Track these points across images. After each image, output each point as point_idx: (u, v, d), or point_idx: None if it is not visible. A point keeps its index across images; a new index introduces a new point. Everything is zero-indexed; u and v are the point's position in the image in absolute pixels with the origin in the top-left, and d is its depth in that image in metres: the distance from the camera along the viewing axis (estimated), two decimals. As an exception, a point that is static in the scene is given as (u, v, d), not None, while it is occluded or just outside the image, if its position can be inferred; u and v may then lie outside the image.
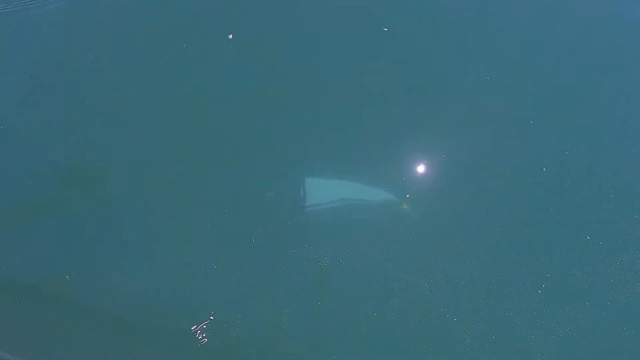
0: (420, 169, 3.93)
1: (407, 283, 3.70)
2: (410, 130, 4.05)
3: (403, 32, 4.32)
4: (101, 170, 4.04)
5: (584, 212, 3.62)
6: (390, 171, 3.93)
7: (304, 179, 3.81)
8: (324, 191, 3.83)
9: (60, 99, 4.26)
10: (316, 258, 3.70)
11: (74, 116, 4.16)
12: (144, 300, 3.78)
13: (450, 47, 4.33)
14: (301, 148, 3.95)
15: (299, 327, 3.60)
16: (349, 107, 4.12)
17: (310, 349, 3.59)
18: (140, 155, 4.02)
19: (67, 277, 3.75)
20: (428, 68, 4.23)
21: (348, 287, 3.65)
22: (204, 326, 3.57)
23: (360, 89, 4.13)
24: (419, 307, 3.66)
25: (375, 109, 4.09)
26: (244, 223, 3.81)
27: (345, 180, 3.84)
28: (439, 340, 3.59)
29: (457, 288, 3.67)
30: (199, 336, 3.57)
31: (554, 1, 4.50)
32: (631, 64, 4.18)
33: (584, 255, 3.50)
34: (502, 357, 3.39)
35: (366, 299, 3.63)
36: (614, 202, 3.63)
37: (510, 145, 4.00)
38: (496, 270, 3.68)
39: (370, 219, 3.75)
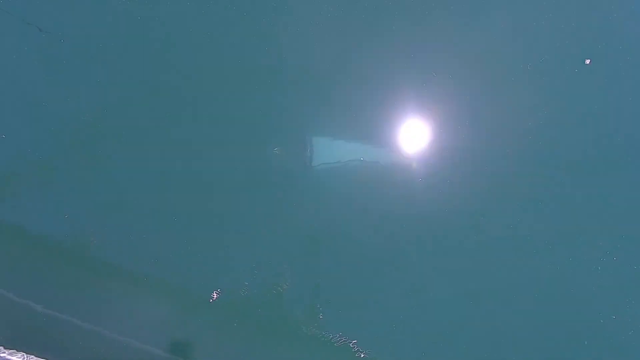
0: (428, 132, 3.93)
1: (415, 238, 3.74)
2: (416, 91, 4.05)
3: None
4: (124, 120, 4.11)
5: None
6: (396, 132, 3.96)
7: (311, 137, 3.85)
8: (331, 150, 3.88)
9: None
10: (319, 214, 3.77)
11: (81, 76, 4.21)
12: (160, 257, 3.90)
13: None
14: (309, 106, 3.99)
15: (300, 286, 3.70)
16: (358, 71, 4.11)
17: (309, 307, 3.71)
18: (153, 111, 4.08)
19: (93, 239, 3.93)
20: (435, 32, 4.19)
21: (350, 246, 3.71)
22: (216, 293, 3.71)
23: (368, 50, 4.11)
24: (422, 266, 3.74)
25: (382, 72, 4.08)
26: (251, 177, 3.90)
27: (352, 140, 3.88)
28: (440, 304, 3.68)
29: (462, 243, 3.75)
30: (210, 297, 3.71)
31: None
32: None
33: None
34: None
35: (369, 260, 3.71)
36: None
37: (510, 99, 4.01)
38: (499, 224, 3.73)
39: (376, 178, 3.79)
